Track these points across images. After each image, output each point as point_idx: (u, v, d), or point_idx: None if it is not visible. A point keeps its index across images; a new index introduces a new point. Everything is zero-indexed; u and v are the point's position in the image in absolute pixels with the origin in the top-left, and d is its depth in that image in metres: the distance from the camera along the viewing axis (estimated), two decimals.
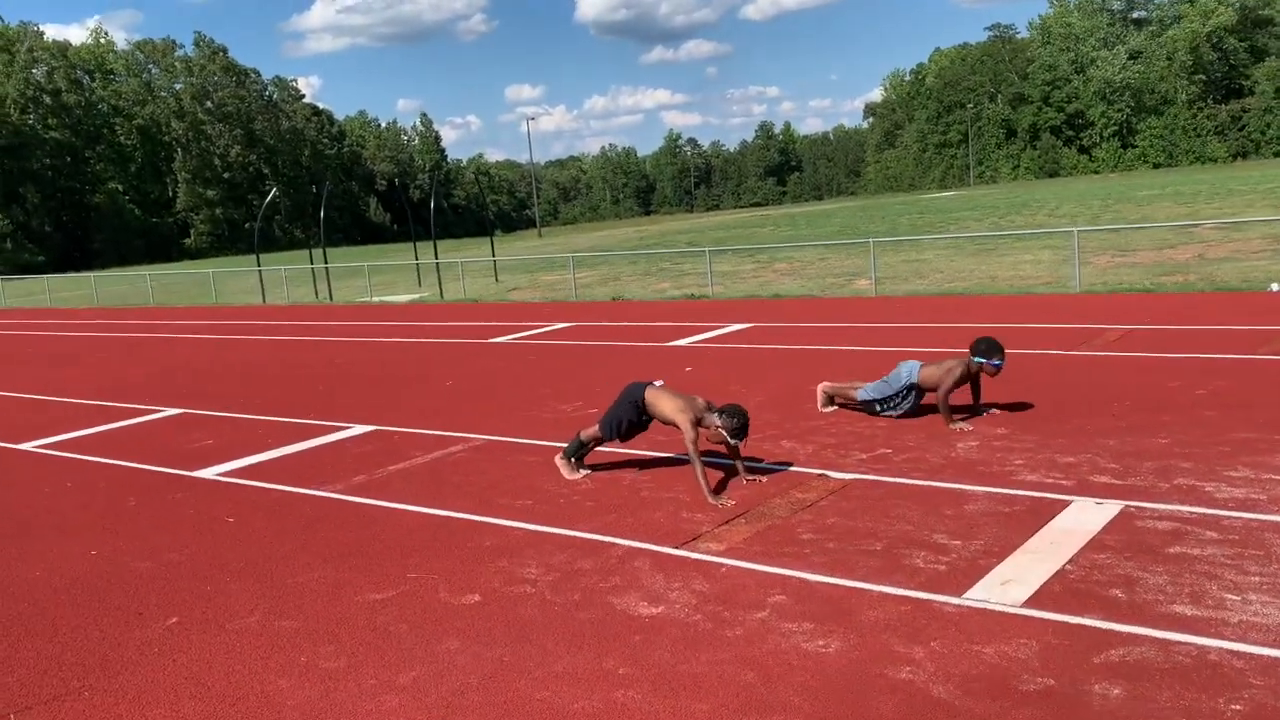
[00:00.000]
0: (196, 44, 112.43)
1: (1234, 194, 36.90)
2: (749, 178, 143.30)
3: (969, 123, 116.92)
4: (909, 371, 7.91)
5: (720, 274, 24.12)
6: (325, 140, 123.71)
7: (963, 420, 7.70)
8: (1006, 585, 4.72)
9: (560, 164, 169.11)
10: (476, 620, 4.83)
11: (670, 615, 4.71)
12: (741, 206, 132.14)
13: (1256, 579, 4.53)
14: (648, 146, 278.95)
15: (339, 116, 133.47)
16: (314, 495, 7.21)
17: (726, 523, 5.93)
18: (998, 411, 7.95)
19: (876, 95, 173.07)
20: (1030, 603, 4.51)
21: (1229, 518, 5.29)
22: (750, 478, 6.67)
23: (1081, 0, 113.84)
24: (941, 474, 6.52)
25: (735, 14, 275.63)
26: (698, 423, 6.52)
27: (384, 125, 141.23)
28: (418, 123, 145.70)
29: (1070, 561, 4.91)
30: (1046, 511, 5.66)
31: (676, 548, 5.59)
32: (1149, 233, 23.72)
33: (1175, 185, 49.10)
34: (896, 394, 7.94)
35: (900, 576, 4.93)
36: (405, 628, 4.82)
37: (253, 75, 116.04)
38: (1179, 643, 4.04)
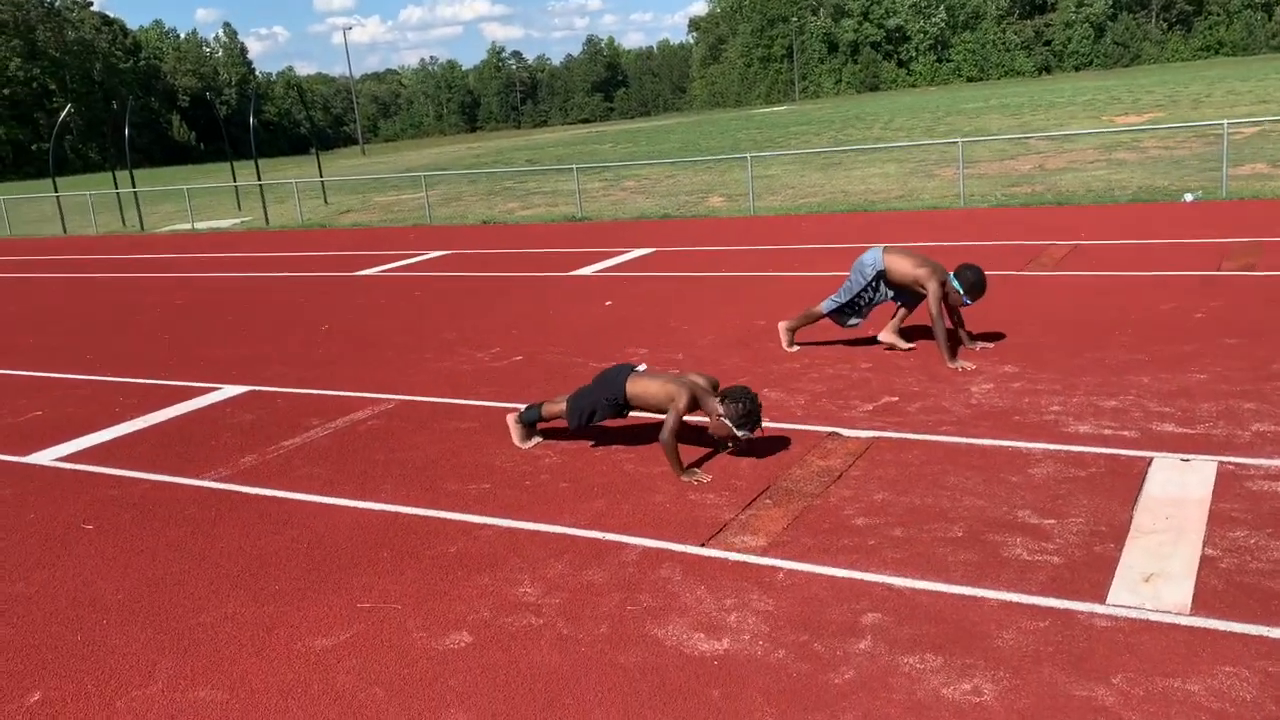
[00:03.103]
0: None
1: (1055, 105, 38.01)
2: (576, 93, 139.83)
3: (793, 37, 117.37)
4: (873, 259, 6.90)
5: (568, 193, 22.83)
6: (119, 53, 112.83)
7: (965, 359, 6.79)
8: (1152, 583, 3.79)
9: (378, 78, 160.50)
10: (476, 675, 3.55)
11: (744, 652, 3.56)
12: (570, 123, 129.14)
13: None
14: (470, 60, 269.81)
15: (132, 27, 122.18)
16: (195, 486, 5.66)
17: (750, 505, 4.80)
18: (989, 346, 7.08)
19: (700, 9, 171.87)
20: (1199, 609, 3.58)
21: None
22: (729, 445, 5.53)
23: None
24: (975, 428, 5.57)
25: None
26: (694, 405, 5.29)
27: (183, 36, 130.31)
28: (220, 34, 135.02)
29: (1208, 544, 4.03)
30: (1128, 473, 4.78)
31: (703, 545, 4.43)
32: (988, 145, 23.81)
33: (998, 98, 50.28)
34: (866, 288, 6.94)
35: (1010, 576, 3.94)
36: (380, 693, 3.49)
37: None
38: None
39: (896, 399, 6.16)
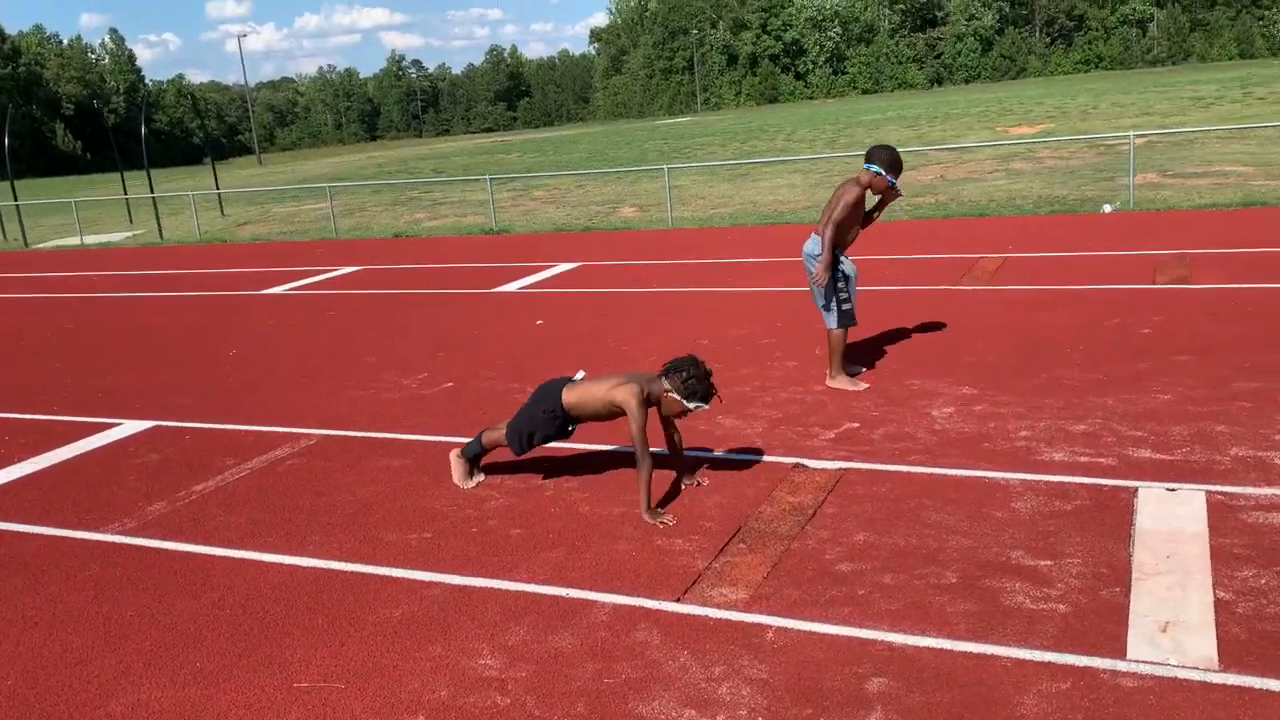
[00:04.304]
0: None
1: (950, 117, 38.89)
2: (479, 102, 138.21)
3: (693, 49, 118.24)
4: (811, 244, 6.46)
5: (476, 203, 22.32)
6: None
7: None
8: (1171, 633, 3.53)
9: (274, 86, 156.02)
10: None
11: None
12: (473, 132, 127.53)
13: None
14: (369, 68, 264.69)
15: (11, 31, 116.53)
16: (96, 541, 5.04)
17: (723, 551, 4.43)
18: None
19: (601, 20, 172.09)
20: (1229, 663, 3.33)
21: None
22: (688, 480, 5.16)
23: None
24: (946, 456, 5.30)
25: None
26: (646, 400, 4.90)
27: (66, 42, 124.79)
28: (107, 40, 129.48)
29: (1219, 586, 3.80)
30: (1115, 505, 4.56)
31: (679, 600, 4.03)
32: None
33: (895, 109, 51.37)
34: (831, 280, 6.45)
35: (1018, 628, 3.64)
36: None
37: None
38: None
39: (858, 425, 5.87)
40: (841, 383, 6.62)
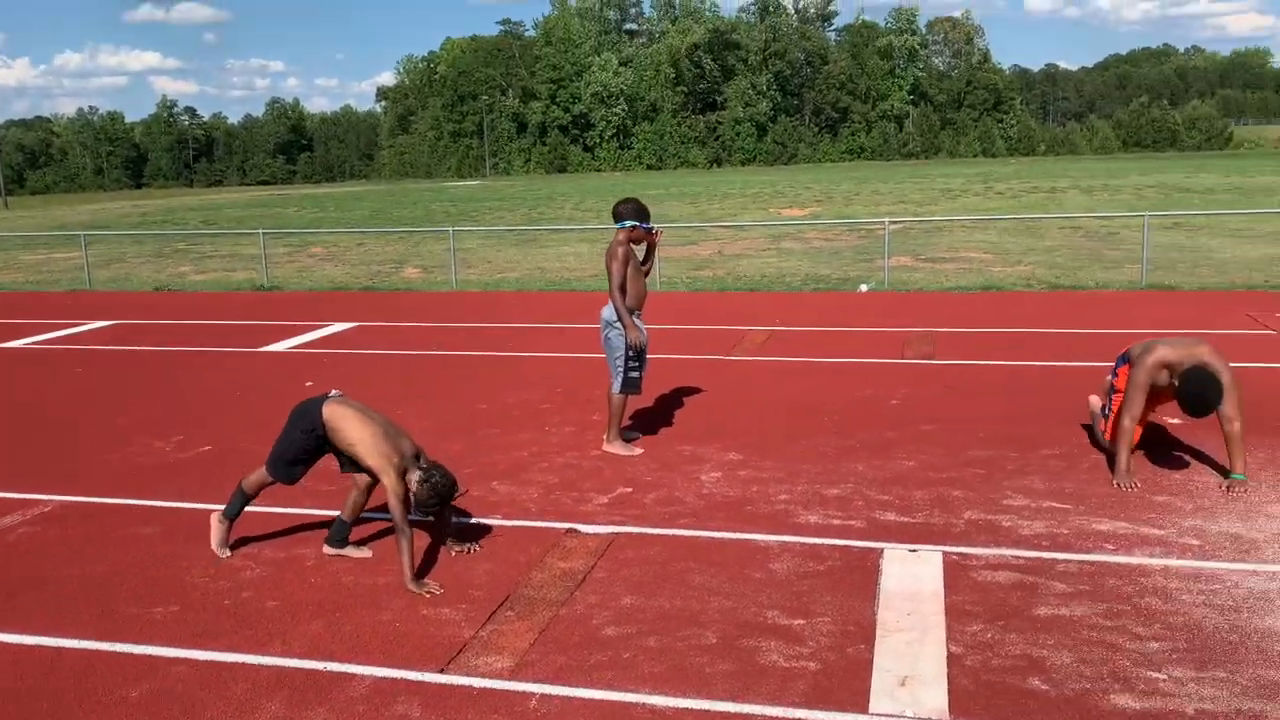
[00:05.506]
0: None
1: (728, 196, 40.93)
2: (257, 154, 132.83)
3: (483, 114, 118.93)
4: (608, 311, 6.58)
5: (248, 257, 21.48)
6: None
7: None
8: (909, 686, 3.76)
9: (25, 125, 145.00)
10: None
11: None
12: (249, 184, 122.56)
13: (1156, 646, 4.00)
14: (137, 113, 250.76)
15: None
16: None
17: (491, 619, 4.38)
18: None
19: (389, 79, 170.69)
20: (957, 713, 3.58)
21: (1058, 561, 4.81)
22: (458, 547, 5.12)
23: (581, 6, 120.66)
24: (712, 520, 5.48)
25: None
26: (403, 472, 4.83)
27: None
28: None
29: (951, 640, 4.09)
30: (863, 565, 4.84)
31: (443, 671, 3.95)
32: (675, 231, 24.96)
33: (677, 186, 53.45)
34: (622, 347, 6.59)
35: (772, 686, 3.78)
36: None
37: None
38: None
39: (631, 489, 5.98)
40: (617, 448, 6.74)
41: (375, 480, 4.90)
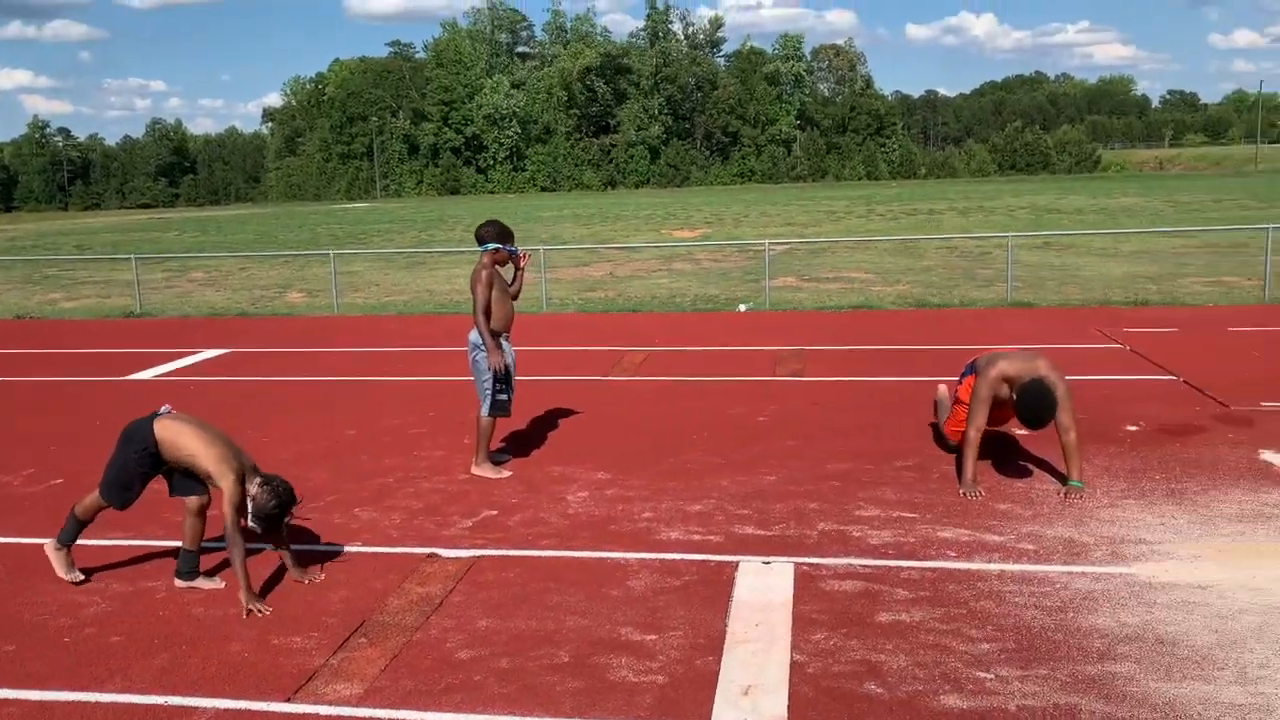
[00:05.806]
0: None
1: (621, 218, 41.30)
2: (136, 176, 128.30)
3: (373, 136, 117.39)
4: (475, 334, 6.59)
5: (124, 283, 20.79)
6: None
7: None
8: (751, 695, 3.87)
9: None
10: None
11: None
12: (129, 207, 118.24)
13: (986, 647, 4.19)
14: (6, 133, 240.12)
15: None
16: None
17: (342, 646, 4.34)
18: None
19: (275, 100, 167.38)
20: (796, 719, 3.70)
21: (902, 569, 5.00)
22: (300, 576, 5.04)
23: (472, 29, 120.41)
24: (574, 540, 5.53)
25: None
26: (243, 479, 4.78)
27: None
28: None
29: (796, 649, 4.21)
30: (718, 579, 4.95)
31: (290, 700, 3.91)
32: (567, 253, 25.10)
33: (571, 208, 53.68)
34: (491, 371, 6.60)
35: (619, 701, 3.85)
36: None
37: None
38: None
39: (496, 512, 6.00)
40: (485, 470, 6.75)
41: (208, 499, 4.86)
